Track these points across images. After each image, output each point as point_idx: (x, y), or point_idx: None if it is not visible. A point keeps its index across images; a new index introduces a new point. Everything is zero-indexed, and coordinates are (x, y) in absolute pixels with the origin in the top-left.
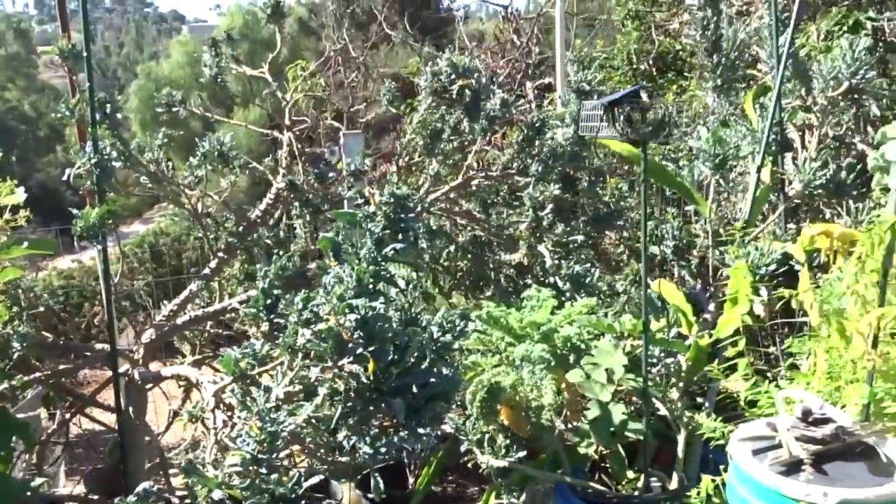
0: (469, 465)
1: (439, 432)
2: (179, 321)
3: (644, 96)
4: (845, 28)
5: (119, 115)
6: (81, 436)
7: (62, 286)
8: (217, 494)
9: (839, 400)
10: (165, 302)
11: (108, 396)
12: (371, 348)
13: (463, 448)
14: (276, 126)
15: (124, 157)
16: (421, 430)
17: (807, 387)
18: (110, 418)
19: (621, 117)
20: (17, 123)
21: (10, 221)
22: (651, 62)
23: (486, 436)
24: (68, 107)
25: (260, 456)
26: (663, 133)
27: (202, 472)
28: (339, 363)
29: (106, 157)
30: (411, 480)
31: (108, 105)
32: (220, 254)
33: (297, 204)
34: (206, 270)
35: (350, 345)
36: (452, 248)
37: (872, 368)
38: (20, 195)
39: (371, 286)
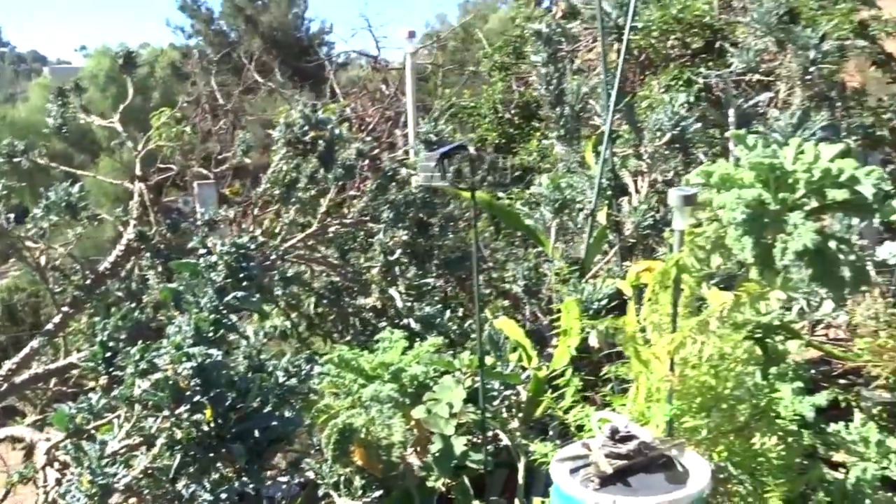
0: None
1: (301, 479)
2: (18, 380)
3: (471, 149)
4: (681, 83)
5: None
6: None
7: None
8: None
9: (651, 418)
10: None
11: None
12: (209, 395)
13: (321, 492)
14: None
15: None
16: (263, 474)
17: (627, 408)
18: None
19: (451, 168)
20: None
21: None
22: (514, 111)
23: (343, 478)
24: None
25: None
26: (492, 181)
27: None
28: (177, 412)
29: None
30: None
31: None
32: (66, 308)
33: (148, 255)
34: (50, 326)
35: (187, 393)
36: (310, 292)
37: (670, 389)
38: None
39: (211, 334)
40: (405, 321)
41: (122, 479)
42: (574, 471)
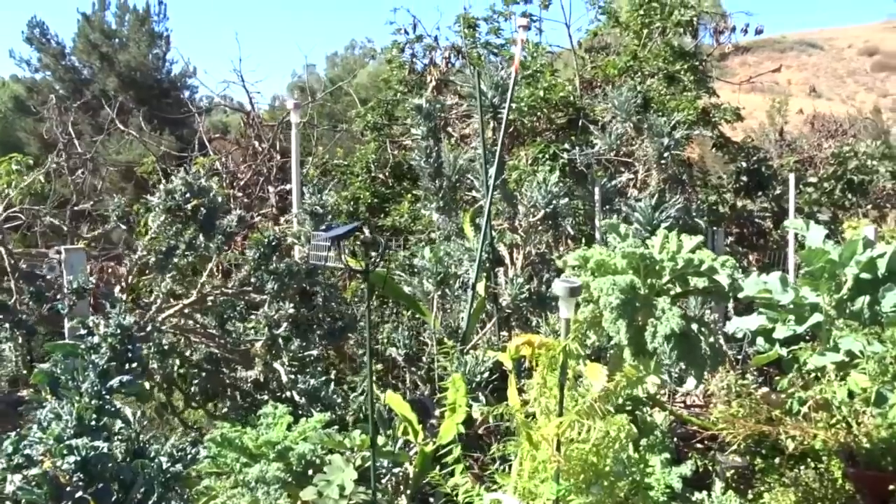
0: None
1: None
2: None
3: (366, 232)
4: (547, 156)
5: None
6: None
7: None
8: None
9: (539, 496)
10: None
11: None
12: (92, 490)
13: None
14: None
15: None
16: None
17: (513, 485)
18: None
19: (346, 250)
20: None
21: None
22: (386, 172)
23: None
24: None
25: None
26: (383, 262)
27: None
28: None
29: None
30: None
31: None
32: None
33: (7, 325)
34: None
35: (68, 489)
36: (186, 365)
37: (557, 468)
38: None
39: (94, 422)
40: (288, 394)
41: None
42: None
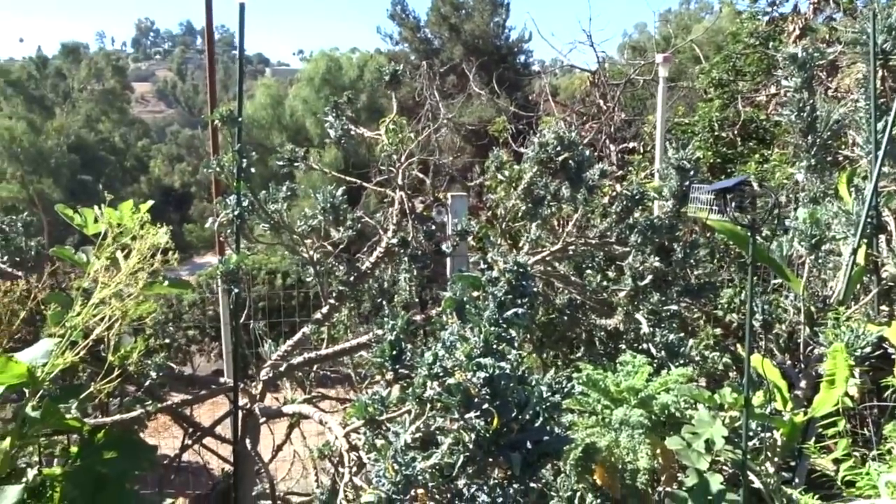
0: None
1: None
2: (294, 361)
3: (755, 185)
4: None
5: (252, 170)
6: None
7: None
8: None
9: None
10: (272, 343)
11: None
12: (496, 404)
13: None
14: (385, 182)
15: (253, 208)
16: (532, 485)
17: None
18: (220, 447)
19: (732, 204)
20: (107, 154)
21: (165, 262)
22: (735, 131)
23: (577, 493)
24: (219, 163)
25: (394, 496)
26: (772, 220)
27: None
28: (466, 416)
29: (244, 208)
30: None
31: (245, 161)
32: (332, 300)
33: (405, 259)
34: (318, 315)
35: (476, 400)
36: (547, 309)
37: None
38: (164, 237)
39: (494, 346)
40: (644, 346)
41: (419, 471)
42: None
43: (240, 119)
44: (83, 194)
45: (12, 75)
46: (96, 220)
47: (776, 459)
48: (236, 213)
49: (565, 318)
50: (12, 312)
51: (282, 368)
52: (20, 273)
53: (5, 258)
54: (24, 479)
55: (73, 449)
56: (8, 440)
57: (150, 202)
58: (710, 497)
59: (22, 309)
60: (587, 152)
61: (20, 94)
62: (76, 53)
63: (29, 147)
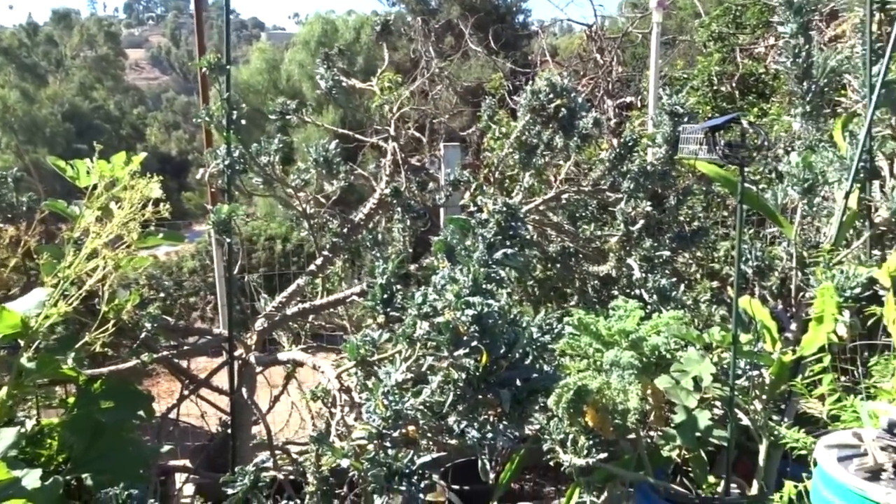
0: (545, 466)
1: (517, 433)
2: (289, 312)
3: (745, 123)
4: None
5: (244, 122)
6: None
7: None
8: (344, 463)
9: None
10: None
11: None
12: (485, 342)
13: (546, 447)
14: (382, 136)
15: (245, 159)
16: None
17: (891, 403)
18: (216, 399)
19: (721, 142)
20: (102, 122)
21: (157, 213)
22: (734, 84)
23: (570, 436)
24: (208, 113)
25: (384, 431)
26: (761, 158)
27: (331, 444)
28: (455, 354)
29: (235, 159)
30: (492, 476)
31: (235, 112)
32: (326, 252)
33: (399, 209)
34: (312, 267)
35: (465, 338)
36: (540, 257)
37: None
38: (157, 189)
39: (483, 286)
40: (637, 292)
41: (408, 407)
42: (842, 459)
43: (227, 66)
44: None
45: (3, 43)
46: (88, 173)
47: (764, 397)
48: (227, 162)
49: (558, 266)
50: (1, 262)
51: (276, 318)
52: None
53: None
54: (21, 428)
55: (71, 400)
56: (5, 389)
57: (143, 154)
58: (698, 433)
59: (12, 256)
60: (579, 99)
61: (12, 63)
62: (67, 20)
63: (23, 116)
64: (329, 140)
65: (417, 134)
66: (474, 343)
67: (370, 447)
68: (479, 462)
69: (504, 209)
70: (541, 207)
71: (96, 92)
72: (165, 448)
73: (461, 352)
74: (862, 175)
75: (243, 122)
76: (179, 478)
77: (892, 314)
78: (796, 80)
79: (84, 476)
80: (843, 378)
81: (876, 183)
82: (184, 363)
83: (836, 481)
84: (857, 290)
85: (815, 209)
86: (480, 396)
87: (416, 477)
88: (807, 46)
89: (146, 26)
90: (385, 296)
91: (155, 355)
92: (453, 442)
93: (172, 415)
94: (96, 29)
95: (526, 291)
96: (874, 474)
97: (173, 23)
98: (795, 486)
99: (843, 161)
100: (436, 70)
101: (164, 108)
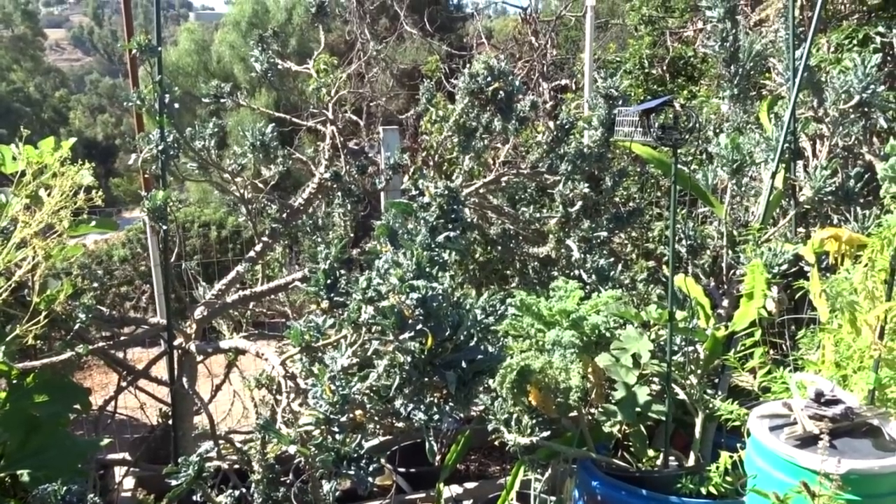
0: (490, 446)
1: (462, 415)
2: (229, 300)
3: (677, 105)
4: (855, 42)
5: (176, 106)
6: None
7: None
8: (292, 449)
9: (846, 386)
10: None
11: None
12: (430, 325)
13: (490, 427)
14: (319, 119)
15: (179, 144)
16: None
17: (817, 374)
18: (155, 390)
19: (655, 124)
20: (22, 105)
21: (89, 200)
22: (664, 67)
23: (514, 416)
24: (140, 96)
25: (332, 416)
26: (692, 140)
27: (277, 430)
28: (400, 337)
29: (168, 144)
30: (438, 458)
31: (168, 96)
32: (265, 238)
33: (339, 194)
34: (252, 253)
35: (410, 321)
36: (481, 239)
37: (878, 357)
38: (88, 176)
39: (427, 269)
40: (576, 272)
41: (355, 391)
42: (773, 428)
43: (159, 48)
44: None
45: None
46: (14, 159)
47: (699, 372)
48: (160, 147)
49: (499, 248)
50: None
51: (217, 306)
52: None
53: None
54: None
55: (2, 395)
56: None
57: (73, 139)
58: (637, 409)
59: None
60: (517, 82)
61: None
62: None
63: None
64: (265, 124)
65: (355, 117)
66: (419, 326)
67: (317, 433)
68: (426, 444)
69: (446, 192)
70: (481, 190)
71: (14, 73)
72: (104, 441)
73: (406, 335)
74: (787, 156)
75: (176, 105)
76: (119, 471)
77: (817, 289)
78: (724, 63)
79: (20, 473)
80: (772, 351)
81: (800, 163)
82: (120, 354)
83: (767, 449)
84: (784, 267)
85: (743, 189)
86: (426, 379)
87: (364, 461)
88: (733, 31)
89: (66, 5)
90: (329, 281)
91: (91, 347)
92: (400, 425)
93: (110, 407)
94: (12, 7)
95: (468, 274)
96: (804, 442)
97: (95, 2)
98: (731, 457)
99: (769, 142)
100: (372, 53)
101: (88, 91)
